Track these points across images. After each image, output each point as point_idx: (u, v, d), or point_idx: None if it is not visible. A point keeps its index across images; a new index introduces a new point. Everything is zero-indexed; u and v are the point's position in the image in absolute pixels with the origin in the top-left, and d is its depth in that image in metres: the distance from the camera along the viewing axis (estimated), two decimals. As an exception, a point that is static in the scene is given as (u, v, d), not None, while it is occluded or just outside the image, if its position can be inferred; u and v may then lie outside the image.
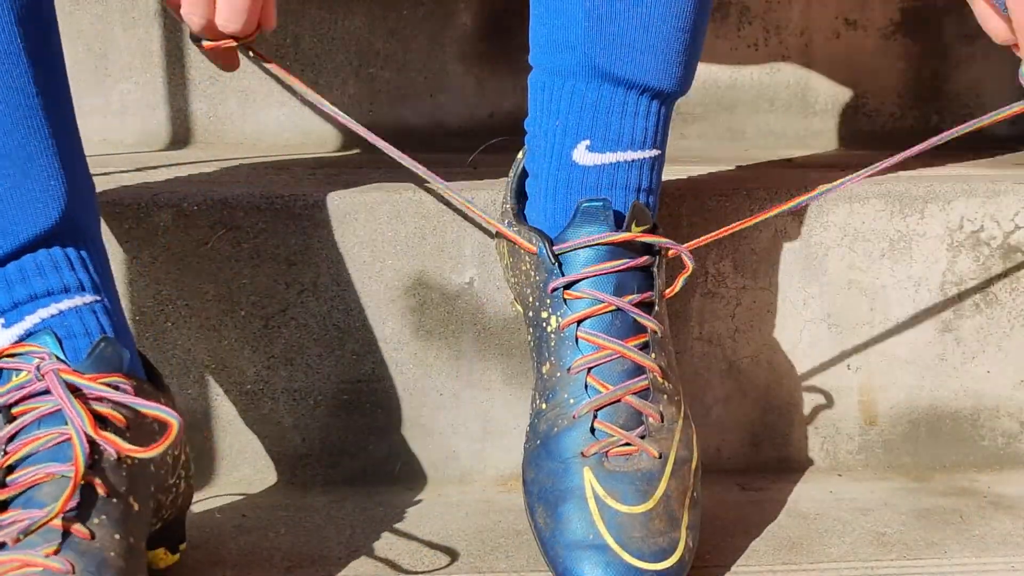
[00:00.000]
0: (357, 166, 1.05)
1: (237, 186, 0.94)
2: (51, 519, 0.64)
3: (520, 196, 0.87)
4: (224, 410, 0.93)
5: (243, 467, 0.94)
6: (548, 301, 0.80)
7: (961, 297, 0.98)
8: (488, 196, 0.92)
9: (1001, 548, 0.84)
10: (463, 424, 0.95)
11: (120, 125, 1.16)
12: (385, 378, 0.94)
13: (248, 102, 1.16)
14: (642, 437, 0.77)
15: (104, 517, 0.66)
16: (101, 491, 0.67)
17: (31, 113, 0.71)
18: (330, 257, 0.91)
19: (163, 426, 0.70)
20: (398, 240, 0.92)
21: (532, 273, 0.81)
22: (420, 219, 0.92)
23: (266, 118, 1.17)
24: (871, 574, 0.79)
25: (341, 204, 0.91)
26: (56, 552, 0.63)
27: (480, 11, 1.18)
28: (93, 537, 0.65)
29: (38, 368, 0.68)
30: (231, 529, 0.86)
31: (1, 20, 0.69)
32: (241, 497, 0.91)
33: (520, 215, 0.85)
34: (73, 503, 0.65)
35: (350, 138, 1.18)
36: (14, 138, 0.70)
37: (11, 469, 0.67)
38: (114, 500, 0.67)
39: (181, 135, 1.17)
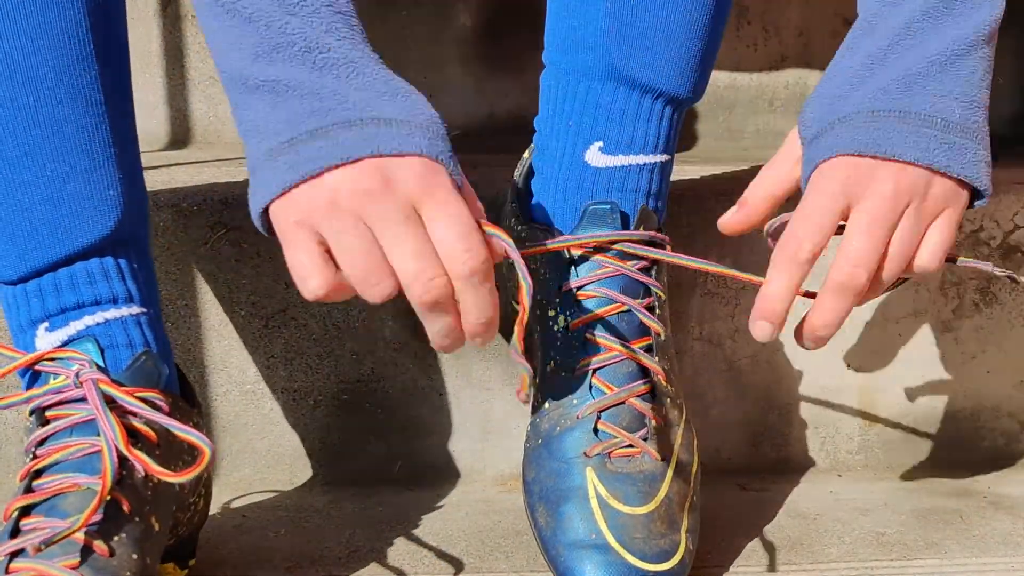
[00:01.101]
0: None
1: (237, 186, 0.93)
2: (73, 532, 0.63)
3: (524, 194, 0.86)
4: (224, 410, 0.93)
5: (243, 467, 0.94)
6: (558, 300, 0.80)
7: (961, 297, 0.98)
8: (488, 196, 0.92)
9: (1001, 548, 0.84)
10: (463, 424, 0.95)
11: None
12: (385, 378, 0.93)
13: (248, 102, 1.16)
14: (644, 439, 0.77)
15: (125, 535, 0.66)
16: (125, 508, 0.66)
17: (97, 121, 0.70)
18: (330, 257, 0.91)
19: (193, 445, 0.70)
20: (398, 240, 0.92)
21: (542, 271, 0.81)
22: (420, 219, 0.92)
23: (266, 118, 1.16)
24: (871, 574, 0.79)
25: (341, 204, 0.91)
26: (74, 567, 0.63)
27: (480, 11, 1.18)
28: (112, 555, 0.64)
29: (77, 375, 0.67)
30: (231, 529, 0.86)
31: (75, 25, 0.68)
32: (241, 497, 0.91)
33: (524, 214, 0.85)
34: (97, 517, 0.65)
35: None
36: (78, 144, 0.69)
37: (38, 474, 0.67)
38: (136, 519, 0.67)
39: (181, 135, 1.17)
